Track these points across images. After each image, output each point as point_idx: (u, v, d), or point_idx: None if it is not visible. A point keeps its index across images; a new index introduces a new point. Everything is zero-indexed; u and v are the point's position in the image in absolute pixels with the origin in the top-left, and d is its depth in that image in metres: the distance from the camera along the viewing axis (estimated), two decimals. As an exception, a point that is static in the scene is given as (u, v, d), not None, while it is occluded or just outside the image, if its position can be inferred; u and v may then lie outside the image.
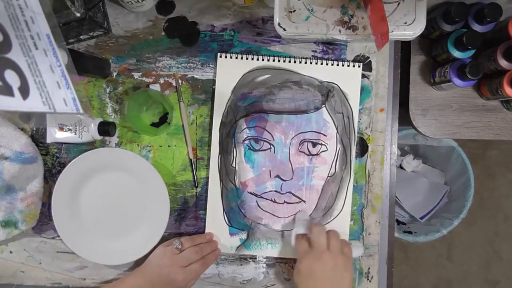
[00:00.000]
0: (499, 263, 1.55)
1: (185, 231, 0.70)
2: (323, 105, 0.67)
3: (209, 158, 0.68)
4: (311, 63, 0.68)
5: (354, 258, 0.66)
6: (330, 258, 0.59)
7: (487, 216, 1.55)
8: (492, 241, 1.55)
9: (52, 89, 0.40)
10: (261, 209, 0.68)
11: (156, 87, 0.69)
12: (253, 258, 0.70)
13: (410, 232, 1.30)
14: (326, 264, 0.58)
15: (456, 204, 1.28)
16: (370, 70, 0.69)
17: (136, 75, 0.69)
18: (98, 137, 0.67)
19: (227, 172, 0.68)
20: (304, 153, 0.68)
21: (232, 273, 0.70)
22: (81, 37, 0.67)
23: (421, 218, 1.34)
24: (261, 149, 0.68)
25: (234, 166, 0.68)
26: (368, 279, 0.69)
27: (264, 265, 0.70)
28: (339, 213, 0.68)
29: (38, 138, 0.69)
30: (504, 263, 1.55)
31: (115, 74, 0.69)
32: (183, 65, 0.69)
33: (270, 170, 0.68)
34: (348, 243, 0.64)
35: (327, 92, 0.68)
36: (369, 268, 0.69)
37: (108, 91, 0.69)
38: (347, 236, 0.68)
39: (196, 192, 0.70)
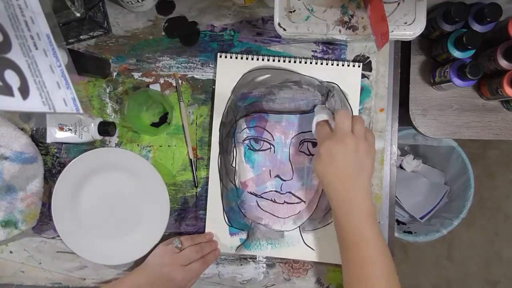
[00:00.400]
0: (499, 263, 1.55)
1: (185, 231, 0.70)
2: (323, 105, 0.67)
3: (209, 158, 0.68)
4: (311, 63, 0.68)
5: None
6: (353, 142, 0.55)
7: (487, 216, 1.55)
8: (492, 241, 1.55)
9: (52, 89, 0.40)
10: (261, 209, 0.68)
11: (156, 87, 0.69)
12: (253, 258, 0.70)
13: (410, 232, 1.30)
14: (348, 147, 0.55)
15: (456, 204, 1.28)
16: (370, 70, 0.69)
17: (136, 75, 0.69)
18: (98, 137, 0.67)
19: (227, 172, 0.68)
20: (304, 153, 0.68)
21: (232, 273, 0.70)
22: (81, 37, 0.67)
23: (421, 218, 1.34)
24: (261, 149, 0.68)
25: (234, 166, 0.68)
26: (368, 279, 0.69)
27: (264, 265, 0.70)
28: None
29: (38, 138, 0.69)
30: (504, 263, 1.55)
31: (115, 74, 0.69)
32: (183, 65, 0.69)
33: (270, 170, 0.68)
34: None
35: (327, 92, 0.68)
36: (369, 268, 0.69)
37: (108, 91, 0.69)
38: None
39: (196, 192, 0.70)
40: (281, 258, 0.70)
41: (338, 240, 0.59)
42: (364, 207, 0.56)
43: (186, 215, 0.70)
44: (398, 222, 1.38)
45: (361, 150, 0.56)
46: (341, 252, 0.59)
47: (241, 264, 0.70)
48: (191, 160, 0.69)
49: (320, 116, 0.61)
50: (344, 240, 0.57)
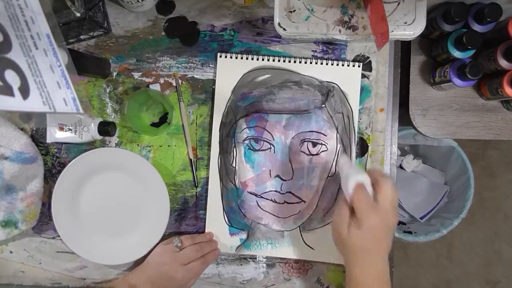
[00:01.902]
0: (499, 263, 1.55)
1: (185, 231, 0.70)
2: (323, 105, 0.67)
3: (209, 158, 0.68)
4: (311, 63, 0.68)
5: None
6: (394, 219, 0.54)
7: (487, 216, 1.55)
8: (492, 241, 1.55)
9: (52, 89, 0.40)
10: (261, 209, 0.68)
11: (156, 87, 0.69)
12: (253, 258, 0.70)
13: (410, 232, 1.30)
14: (390, 225, 0.54)
15: (456, 204, 1.28)
16: (370, 70, 0.69)
17: (136, 75, 0.69)
18: (98, 137, 0.67)
19: (227, 172, 0.68)
20: (304, 153, 0.68)
21: (232, 273, 0.70)
22: (81, 37, 0.67)
23: (421, 218, 1.34)
24: (261, 149, 0.68)
25: (234, 166, 0.68)
26: (368, 279, 0.69)
27: (264, 265, 0.70)
28: (339, 213, 0.68)
29: (38, 138, 0.69)
30: (504, 263, 1.55)
31: (115, 74, 0.69)
32: (183, 65, 0.69)
33: (270, 170, 0.68)
34: None
35: (327, 92, 0.68)
36: (369, 268, 0.69)
37: (108, 91, 0.69)
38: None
39: (196, 192, 0.70)
40: (281, 258, 0.70)
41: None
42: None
43: (186, 215, 0.70)
44: (398, 222, 1.38)
45: (393, 225, 0.54)
46: None
47: (241, 264, 0.70)
48: (191, 160, 0.69)
49: (360, 177, 0.54)
50: None
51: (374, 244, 0.53)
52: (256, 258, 0.70)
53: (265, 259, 0.70)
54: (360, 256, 0.54)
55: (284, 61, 0.68)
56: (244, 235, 0.69)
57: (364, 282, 0.53)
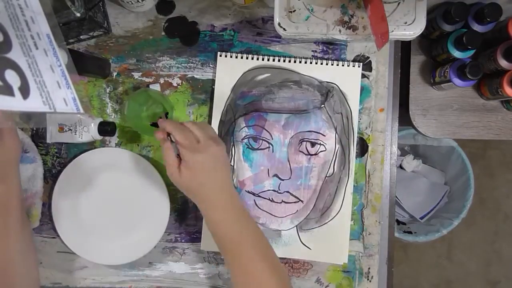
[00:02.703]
0: (499, 263, 1.55)
1: (185, 231, 0.70)
2: (322, 105, 0.67)
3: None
4: (311, 63, 0.68)
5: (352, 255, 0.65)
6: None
7: (487, 216, 1.55)
8: (492, 241, 1.55)
9: (52, 89, 0.40)
10: (259, 208, 0.68)
11: (156, 87, 0.69)
12: (253, 258, 0.70)
13: (410, 232, 1.30)
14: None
15: (456, 204, 1.28)
16: (370, 70, 0.69)
17: (136, 75, 0.69)
18: (98, 137, 0.67)
19: (226, 171, 0.68)
20: (303, 152, 0.68)
21: (232, 273, 0.70)
22: (81, 37, 0.67)
23: (421, 218, 1.34)
24: (260, 148, 0.68)
25: (232, 164, 0.68)
26: (368, 279, 0.69)
27: (264, 265, 0.70)
28: (337, 213, 0.68)
29: (38, 138, 0.69)
30: (504, 263, 1.55)
31: (115, 74, 0.69)
32: (183, 65, 0.69)
33: (268, 169, 0.68)
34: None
35: (327, 92, 0.68)
36: (369, 268, 0.69)
37: (108, 91, 0.69)
38: (347, 237, 0.68)
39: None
40: (281, 258, 0.70)
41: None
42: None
43: (186, 215, 0.70)
44: (398, 222, 1.38)
45: (219, 153, 0.55)
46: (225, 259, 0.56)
47: (241, 264, 0.70)
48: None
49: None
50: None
51: (207, 176, 0.53)
52: (256, 258, 0.70)
53: (265, 259, 0.70)
54: (200, 192, 0.54)
55: (284, 61, 0.68)
56: (244, 235, 0.69)
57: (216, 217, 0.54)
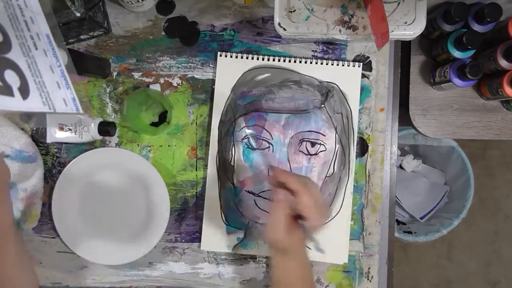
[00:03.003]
0: (499, 263, 1.55)
1: (185, 231, 0.70)
2: (322, 105, 0.67)
3: (207, 155, 0.68)
4: (311, 63, 0.68)
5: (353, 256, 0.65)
6: None
7: (487, 216, 1.55)
8: (492, 241, 1.55)
9: (52, 89, 0.40)
10: (259, 208, 0.68)
11: (156, 87, 0.69)
12: (253, 258, 0.70)
13: (410, 232, 1.30)
14: None
15: (456, 204, 1.28)
16: (370, 70, 0.69)
17: (136, 75, 0.69)
18: (98, 137, 0.67)
19: (225, 170, 0.68)
20: (303, 152, 0.68)
21: (232, 273, 0.70)
22: (81, 37, 0.67)
23: (421, 218, 1.34)
24: (260, 148, 0.68)
25: (232, 164, 0.68)
26: (368, 279, 0.69)
27: (264, 265, 0.70)
28: (337, 213, 0.68)
29: (38, 138, 0.69)
30: (504, 263, 1.55)
31: (115, 74, 0.69)
32: (183, 65, 0.69)
33: (268, 169, 0.68)
34: None
35: (327, 92, 0.68)
36: (369, 268, 0.69)
37: (108, 91, 0.69)
38: (347, 237, 0.68)
39: (196, 192, 0.70)
40: (281, 258, 0.70)
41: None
42: None
43: (186, 215, 0.70)
44: (398, 222, 1.38)
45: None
46: None
47: (241, 264, 0.70)
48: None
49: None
50: None
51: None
52: (256, 258, 0.70)
53: (265, 259, 0.70)
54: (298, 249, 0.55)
55: (284, 61, 0.68)
56: (241, 234, 0.69)
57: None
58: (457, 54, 0.73)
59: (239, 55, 0.68)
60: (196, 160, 0.69)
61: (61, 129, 0.65)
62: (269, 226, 0.52)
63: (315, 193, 0.50)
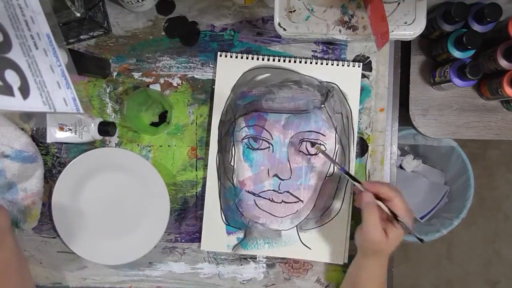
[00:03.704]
0: (499, 263, 1.55)
1: (185, 231, 0.70)
2: (322, 105, 0.67)
3: (207, 155, 0.68)
4: (311, 63, 0.68)
5: None
6: None
7: (487, 216, 1.55)
8: (492, 241, 1.55)
9: (52, 89, 0.40)
10: (259, 208, 0.68)
11: (156, 87, 0.69)
12: (253, 258, 0.70)
13: (410, 232, 1.29)
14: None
15: (456, 204, 1.28)
16: (370, 70, 0.69)
17: (136, 75, 0.69)
18: (98, 137, 0.67)
19: (225, 170, 0.68)
20: (303, 152, 0.68)
21: (232, 273, 0.70)
22: (81, 37, 0.67)
23: (421, 218, 1.34)
24: (260, 148, 0.68)
25: (232, 164, 0.68)
26: (368, 279, 0.69)
27: (264, 265, 0.70)
28: (337, 213, 0.68)
29: (38, 138, 0.69)
30: (504, 263, 1.55)
31: (115, 74, 0.69)
32: (183, 65, 0.69)
33: (268, 169, 0.68)
34: None
35: (327, 92, 0.68)
36: (369, 268, 0.69)
37: (108, 91, 0.69)
38: (347, 237, 0.68)
39: (196, 192, 0.70)
40: (281, 258, 0.70)
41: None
42: None
43: (186, 215, 0.70)
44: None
45: None
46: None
47: (241, 264, 0.70)
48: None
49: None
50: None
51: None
52: (256, 258, 0.70)
53: (265, 259, 0.70)
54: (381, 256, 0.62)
55: (284, 61, 0.68)
56: (241, 234, 0.69)
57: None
58: (457, 54, 0.73)
59: (239, 55, 0.68)
60: (196, 160, 0.69)
61: (61, 129, 0.65)
62: (366, 228, 0.59)
63: (403, 198, 0.60)
